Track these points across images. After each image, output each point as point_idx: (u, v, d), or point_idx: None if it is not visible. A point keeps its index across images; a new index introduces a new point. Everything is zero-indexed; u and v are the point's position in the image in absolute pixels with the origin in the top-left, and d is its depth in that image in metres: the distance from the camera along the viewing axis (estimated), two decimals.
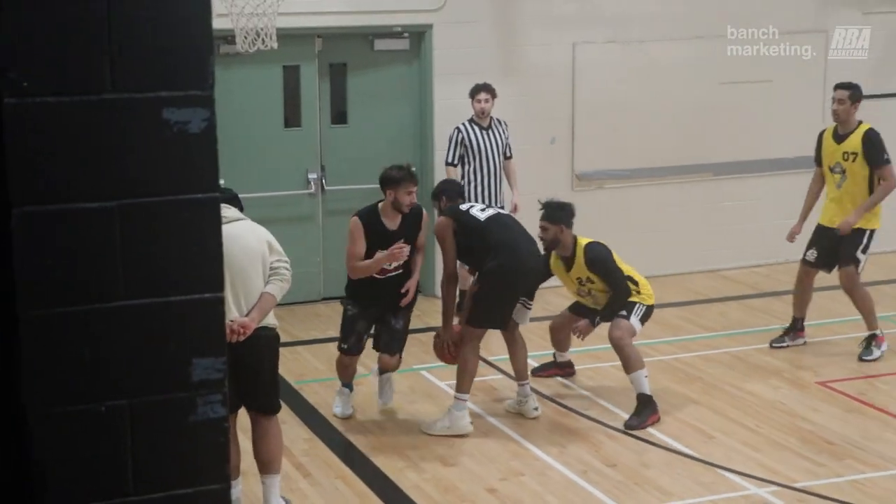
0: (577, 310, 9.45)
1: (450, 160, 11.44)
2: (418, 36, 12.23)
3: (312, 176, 12.14)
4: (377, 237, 8.67)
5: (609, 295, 8.95)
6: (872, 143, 10.24)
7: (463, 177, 11.37)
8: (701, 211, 13.21)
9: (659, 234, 12.90)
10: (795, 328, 10.58)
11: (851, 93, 10.26)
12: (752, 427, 8.85)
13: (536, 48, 12.36)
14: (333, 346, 10.72)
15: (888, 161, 10.29)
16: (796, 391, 9.61)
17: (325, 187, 12.20)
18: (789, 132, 13.33)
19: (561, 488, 7.87)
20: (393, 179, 8.69)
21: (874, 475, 8.02)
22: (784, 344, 10.51)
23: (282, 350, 10.63)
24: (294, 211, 12.17)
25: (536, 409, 9.05)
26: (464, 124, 11.45)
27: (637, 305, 8.99)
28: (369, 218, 8.77)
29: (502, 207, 11.31)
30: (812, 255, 10.47)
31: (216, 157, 2.23)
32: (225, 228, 6.24)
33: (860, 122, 10.40)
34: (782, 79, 13.28)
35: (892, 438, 8.64)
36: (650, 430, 8.77)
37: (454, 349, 8.86)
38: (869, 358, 10.18)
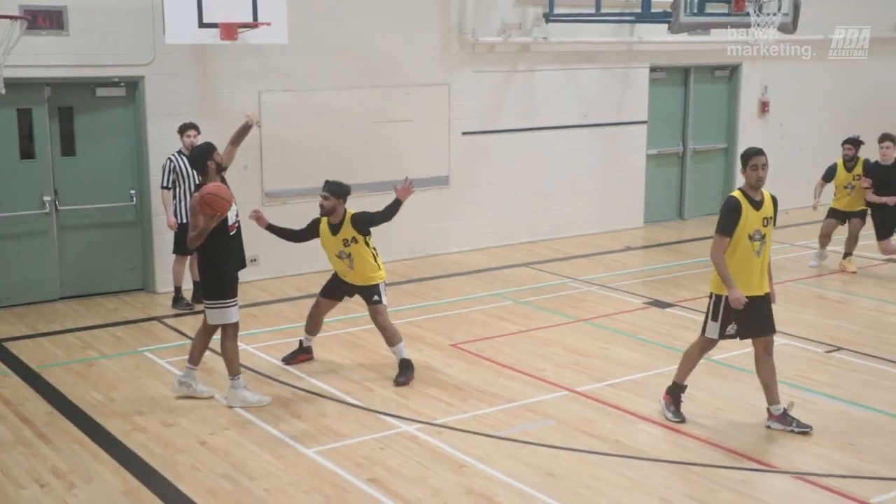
0: (329, 293, 9.17)
1: (164, 184, 11.03)
2: (133, 85, 11.68)
3: (47, 198, 11.40)
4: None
5: (368, 259, 8.84)
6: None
7: (174, 197, 11.00)
8: None
9: None
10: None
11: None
12: (417, 372, 8.93)
13: (230, 95, 12.08)
14: (73, 337, 10.23)
15: None
16: (436, 352, 9.74)
17: (59, 208, 11.49)
18: (424, 157, 13.60)
19: (258, 437, 7.68)
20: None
21: (490, 409, 8.22)
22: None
23: (26, 341, 10.09)
24: (32, 228, 11.43)
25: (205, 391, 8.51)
26: (174, 155, 11.07)
27: (381, 285, 8.93)
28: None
29: None
30: None
31: None
32: None
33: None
34: (419, 118, 13.51)
35: (504, 382, 8.87)
36: (327, 387, 8.70)
37: None
38: None
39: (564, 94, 14.85)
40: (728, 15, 13.03)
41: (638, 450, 7.42)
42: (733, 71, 16.83)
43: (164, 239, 11.61)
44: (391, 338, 8.92)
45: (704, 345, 7.92)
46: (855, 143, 12.99)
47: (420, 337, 10.18)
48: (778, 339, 9.95)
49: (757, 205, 7.68)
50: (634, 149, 15.73)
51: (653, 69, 15.75)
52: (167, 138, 11.40)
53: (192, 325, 10.56)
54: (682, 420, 7.91)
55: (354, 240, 8.81)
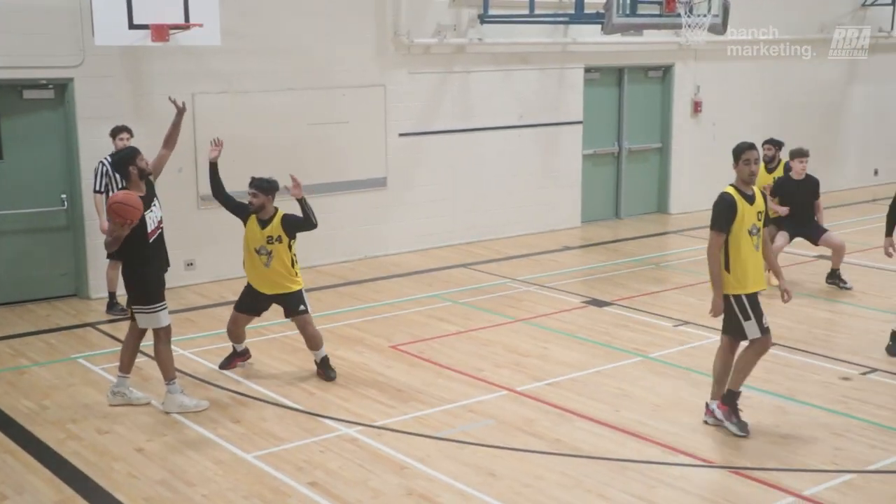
0: (243, 307, 9.01)
1: (96, 188, 10.85)
2: (62, 87, 11.49)
3: None
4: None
5: (285, 264, 8.76)
6: None
7: (107, 200, 10.83)
8: None
9: None
10: None
11: None
12: (342, 384, 8.87)
13: (163, 97, 11.84)
14: (3, 345, 10.03)
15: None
16: (375, 354, 9.72)
17: None
18: (361, 159, 13.60)
19: (196, 443, 7.60)
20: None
21: (431, 411, 8.23)
22: None
23: None
24: None
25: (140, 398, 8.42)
26: (106, 158, 10.86)
27: (302, 292, 8.94)
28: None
29: None
30: None
31: None
32: None
33: None
34: (356, 120, 13.48)
35: (444, 383, 8.88)
36: (266, 391, 8.64)
37: None
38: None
39: (500, 95, 14.92)
40: (660, 16, 13.19)
41: (577, 448, 7.47)
42: (666, 71, 17.03)
43: (97, 243, 11.42)
44: (318, 343, 8.99)
45: (759, 347, 7.70)
46: (776, 143, 12.92)
47: (359, 339, 10.15)
48: (711, 336, 10.16)
49: (750, 199, 7.61)
50: (570, 149, 15.85)
51: (587, 70, 15.88)
52: (99, 141, 11.21)
53: (127, 330, 10.41)
54: (747, 433, 7.60)
55: (279, 239, 8.74)
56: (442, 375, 9.08)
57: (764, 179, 12.77)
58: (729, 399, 7.75)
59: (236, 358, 9.28)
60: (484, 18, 14.21)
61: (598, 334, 10.31)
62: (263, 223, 8.79)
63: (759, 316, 7.63)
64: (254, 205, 8.78)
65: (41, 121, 11.54)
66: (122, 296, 11.10)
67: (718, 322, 10.66)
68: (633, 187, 16.99)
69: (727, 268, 7.58)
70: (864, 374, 9.12)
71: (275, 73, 12.75)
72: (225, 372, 9.13)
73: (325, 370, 9.01)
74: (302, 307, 8.89)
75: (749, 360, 7.73)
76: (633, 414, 8.12)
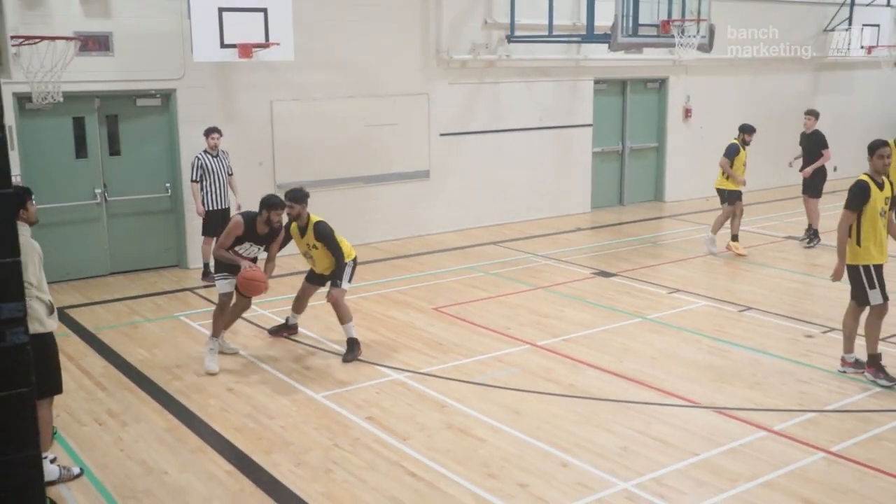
0: (311, 279, 8.72)
1: (193, 178, 10.94)
2: (167, 96, 11.59)
3: (98, 191, 11.33)
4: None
5: (329, 259, 8.35)
6: None
7: (202, 189, 10.93)
8: (361, 203, 13.25)
9: (337, 221, 12.42)
10: None
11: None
12: (392, 339, 8.92)
13: (246, 104, 12.04)
14: (121, 305, 10.20)
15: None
16: (420, 314, 9.76)
17: (108, 198, 11.43)
18: (408, 155, 13.62)
19: (276, 385, 7.68)
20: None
21: (466, 361, 8.26)
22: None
23: (83, 308, 10.05)
24: (87, 215, 11.37)
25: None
26: (201, 154, 10.96)
27: (346, 267, 8.28)
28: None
29: (228, 208, 11.04)
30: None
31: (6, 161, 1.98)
32: (32, 241, 5.53)
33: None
34: (404, 122, 13.50)
35: (477, 339, 8.90)
36: (332, 344, 8.70)
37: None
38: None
39: (524, 102, 14.86)
40: (657, 37, 13.07)
41: (587, 391, 7.49)
42: (662, 83, 16.87)
43: (193, 224, 11.57)
44: (343, 316, 8.35)
45: (879, 312, 7.59)
46: (747, 129, 12.63)
47: (407, 303, 10.20)
48: (699, 301, 10.13)
49: (880, 186, 7.60)
50: (582, 147, 15.77)
51: (596, 81, 15.77)
52: (195, 140, 11.32)
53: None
54: (894, 382, 7.50)
55: (315, 247, 8.35)
56: (476, 332, 9.12)
57: (744, 158, 12.52)
58: (873, 362, 7.66)
59: (284, 329, 8.97)
60: (511, 38, 14.15)
61: (605, 299, 10.31)
62: (302, 230, 8.34)
63: (882, 285, 7.60)
64: (291, 215, 8.17)
65: (150, 124, 11.64)
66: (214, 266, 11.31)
67: (705, 288, 10.70)
68: (634, 179, 16.88)
69: (858, 242, 7.53)
70: (824, 332, 9.08)
71: (338, 84, 12.77)
72: (300, 329, 9.18)
73: (346, 350, 8.36)
74: (338, 280, 8.24)
75: (873, 324, 7.64)
76: (633, 364, 8.14)
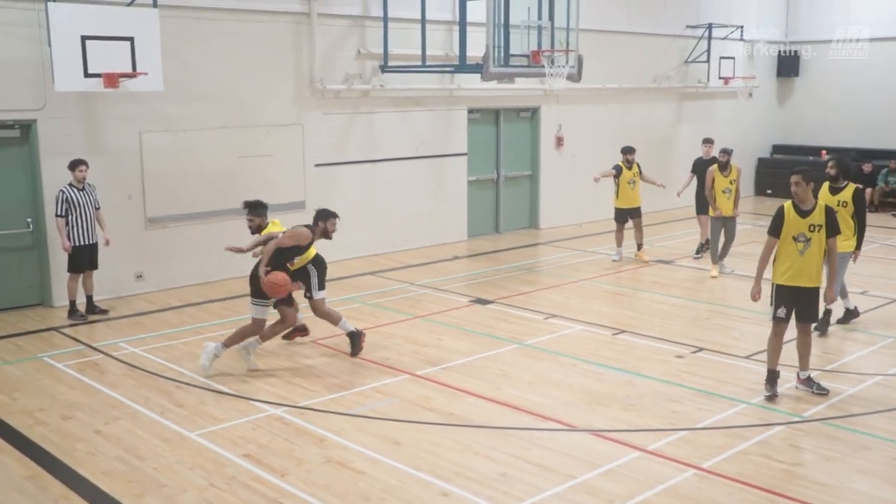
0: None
1: (58, 213, 10.52)
2: (27, 127, 11.09)
3: None
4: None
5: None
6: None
7: (67, 224, 10.51)
8: (236, 236, 12.78)
9: (209, 255, 12.54)
10: None
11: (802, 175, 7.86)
12: (271, 373, 8.74)
13: (114, 135, 11.65)
14: None
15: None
16: (300, 347, 9.57)
17: None
18: (283, 186, 13.46)
19: (147, 424, 7.42)
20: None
21: (345, 393, 8.14)
22: None
23: None
24: None
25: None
26: (66, 187, 10.56)
27: (312, 278, 9.01)
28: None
29: (96, 243, 10.67)
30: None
31: None
32: None
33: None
34: (278, 153, 13.35)
35: (356, 370, 8.78)
36: (205, 380, 8.48)
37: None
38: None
39: (399, 132, 14.94)
40: (528, 66, 13.39)
41: (467, 419, 7.52)
42: (534, 112, 17.28)
43: (58, 260, 11.08)
44: (332, 320, 9.12)
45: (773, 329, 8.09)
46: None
47: (285, 334, 10.01)
48: (575, 326, 10.36)
49: (801, 213, 7.82)
50: (457, 176, 15.95)
51: (470, 111, 16.01)
52: (59, 173, 10.85)
53: (86, 332, 10.14)
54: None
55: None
56: (354, 364, 9.03)
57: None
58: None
59: (296, 333, 9.52)
60: (384, 68, 14.21)
61: (483, 327, 10.40)
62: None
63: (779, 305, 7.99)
64: (252, 227, 8.99)
65: (9, 156, 11.11)
66: (80, 303, 10.87)
67: (580, 313, 10.96)
68: (509, 207, 17.17)
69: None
70: (694, 352, 9.39)
71: (210, 115, 12.53)
72: (170, 364, 8.92)
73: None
74: (309, 294, 9.06)
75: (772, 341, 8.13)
76: (511, 390, 8.21)
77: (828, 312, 10.05)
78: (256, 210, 8.99)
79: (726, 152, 13.05)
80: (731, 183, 12.95)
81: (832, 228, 7.84)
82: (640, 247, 14.22)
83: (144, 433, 7.25)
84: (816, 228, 7.80)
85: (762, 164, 22.41)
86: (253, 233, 8.95)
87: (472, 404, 7.88)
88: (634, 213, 14.13)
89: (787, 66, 22.28)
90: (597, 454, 6.80)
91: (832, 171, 9.75)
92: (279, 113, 13.33)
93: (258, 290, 8.57)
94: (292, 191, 13.63)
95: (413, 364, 9.00)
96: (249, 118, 12.98)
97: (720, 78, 19.66)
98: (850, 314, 10.44)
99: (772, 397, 7.92)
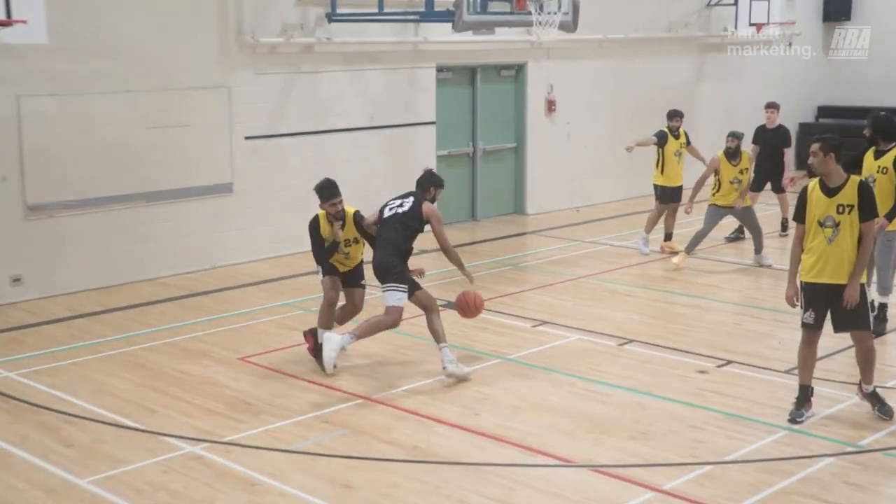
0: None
1: None
2: None
3: None
4: None
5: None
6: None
7: None
8: (142, 230, 12.78)
9: (108, 252, 12.41)
10: None
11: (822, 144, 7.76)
12: (187, 400, 8.60)
13: None
14: None
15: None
16: (223, 367, 9.47)
17: None
18: (204, 165, 13.29)
19: (25, 471, 7.20)
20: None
21: (282, 423, 8.05)
22: None
23: None
24: None
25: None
26: None
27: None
28: None
29: None
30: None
31: None
32: None
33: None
34: (199, 123, 13.17)
35: (296, 394, 8.72)
36: (103, 411, 8.27)
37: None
38: None
39: (350, 96, 14.82)
40: (511, 13, 13.31)
41: (435, 454, 7.42)
42: (519, 70, 17.21)
43: None
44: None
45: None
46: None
47: (205, 352, 9.87)
48: (571, 335, 10.31)
49: (827, 192, 7.74)
50: (424, 150, 15.85)
51: (439, 69, 15.92)
52: None
53: None
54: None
55: (356, 240, 9.70)
56: (294, 386, 8.92)
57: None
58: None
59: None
60: (332, 17, 14.09)
61: (457, 338, 10.26)
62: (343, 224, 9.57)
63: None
64: (338, 215, 9.48)
65: None
66: None
67: (578, 318, 10.89)
68: (489, 188, 17.10)
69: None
70: (720, 366, 9.36)
71: (109, 75, 12.32)
72: (56, 392, 8.70)
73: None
74: (363, 281, 9.90)
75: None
76: (492, 417, 8.12)
77: (882, 307, 10.13)
78: (338, 189, 9.42)
79: (735, 136, 13.34)
80: (741, 173, 13.27)
81: (866, 209, 7.66)
82: (669, 236, 14.39)
83: (21, 483, 7.03)
84: (847, 209, 7.66)
85: (804, 130, 22.31)
86: (337, 220, 9.43)
87: (442, 435, 7.78)
88: (677, 195, 14.28)
89: (837, 6, 22.34)
90: (599, 496, 6.71)
91: (868, 133, 9.82)
92: (199, 72, 13.16)
93: (399, 275, 9.02)
94: (216, 170, 13.46)
95: (369, 385, 8.90)
96: (160, 79, 12.80)
97: (751, 24, 19.69)
98: None
99: (795, 420, 7.87)
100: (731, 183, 13.17)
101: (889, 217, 9.65)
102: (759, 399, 8.45)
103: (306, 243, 14.27)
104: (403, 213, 9.17)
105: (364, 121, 15.04)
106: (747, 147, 13.92)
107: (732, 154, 13.23)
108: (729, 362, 9.41)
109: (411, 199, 9.25)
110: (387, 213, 9.27)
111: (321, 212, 9.53)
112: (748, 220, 13.37)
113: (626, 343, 10.08)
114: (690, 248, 13.38)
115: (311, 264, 13.60)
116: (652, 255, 13.96)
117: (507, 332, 10.48)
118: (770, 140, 14.80)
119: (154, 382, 8.97)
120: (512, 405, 8.39)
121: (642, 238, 14.18)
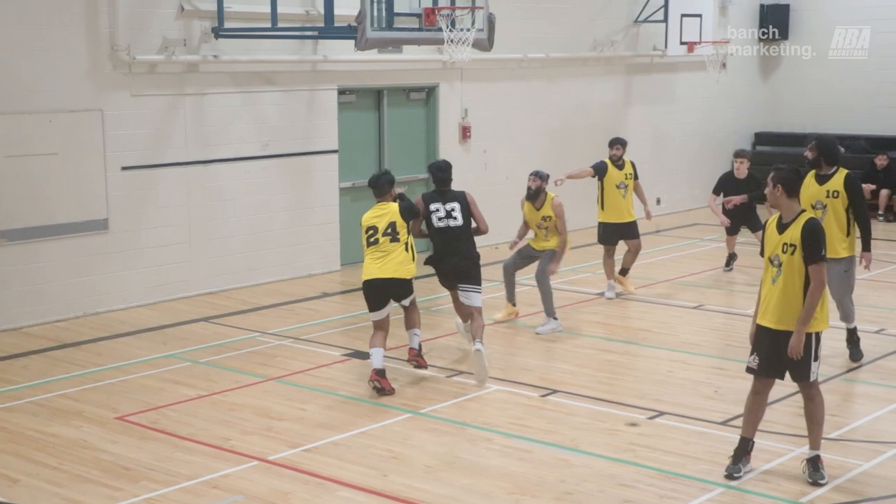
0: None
1: None
2: None
3: None
4: None
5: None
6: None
7: None
8: (1, 273, 12.62)
9: None
10: None
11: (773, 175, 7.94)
12: (55, 466, 8.49)
13: None
14: None
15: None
16: (97, 427, 9.37)
17: None
18: (75, 199, 13.17)
19: None
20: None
21: (166, 490, 7.98)
22: None
23: None
24: None
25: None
26: None
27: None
28: None
29: None
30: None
31: None
32: None
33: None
34: (67, 151, 13.07)
35: (182, 457, 8.66)
36: None
37: None
38: None
39: (242, 121, 14.85)
40: (420, 30, 13.48)
41: None
42: (430, 93, 17.41)
43: None
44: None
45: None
46: (622, 143, 14.19)
47: (77, 412, 9.76)
48: (489, 385, 10.40)
49: (781, 228, 7.93)
50: (326, 181, 15.93)
51: (341, 91, 16.03)
52: None
53: None
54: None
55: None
56: (180, 448, 8.87)
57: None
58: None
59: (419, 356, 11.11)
60: (219, 32, 14.10)
61: (362, 391, 10.33)
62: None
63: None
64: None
65: None
66: None
67: (497, 367, 10.98)
68: None
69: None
70: (652, 418, 9.52)
71: None
72: None
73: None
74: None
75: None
76: (402, 478, 8.16)
77: (851, 331, 10.86)
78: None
79: (539, 177, 12.79)
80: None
81: (809, 251, 7.63)
82: (625, 272, 14.46)
83: None
84: (790, 249, 7.71)
85: None
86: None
87: (346, 499, 7.80)
88: (628, 232, 14.24)
89: (775, 23, 22.81)
90: None
91: (811, 155, 10.13)
92: (67, 94, 13.09)
93: (479, 276, 11.33)
94: (89, 205, 13.36)
95: (265, 445, 8.89)
96: (22, 101, 12.72)
97: (682, 43, 20.15)
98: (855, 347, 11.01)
99: (732, 476, 8.02)
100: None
101: (866, 246, 10.03)
102: (694, 453, 8.60)
103: (193, 287, 14.38)
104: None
105: (257, 149, 15.06)
106: (705, 195, 14.29)
107: (533, 195, 12.77)
108: (661, 413, 9.58)
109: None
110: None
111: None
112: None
113: (549, 394, 10.19)
114: (511, 297, 13.18)
115: (199, 310, 13.65)
116: (577, 297, 14.17)
117: (419, 384, 10.55)
118: (741, 191, 14.68)
119: (16, 447, 8.83)
120: (423, 465, 8.43)
121: (608, 285, 14.30)
